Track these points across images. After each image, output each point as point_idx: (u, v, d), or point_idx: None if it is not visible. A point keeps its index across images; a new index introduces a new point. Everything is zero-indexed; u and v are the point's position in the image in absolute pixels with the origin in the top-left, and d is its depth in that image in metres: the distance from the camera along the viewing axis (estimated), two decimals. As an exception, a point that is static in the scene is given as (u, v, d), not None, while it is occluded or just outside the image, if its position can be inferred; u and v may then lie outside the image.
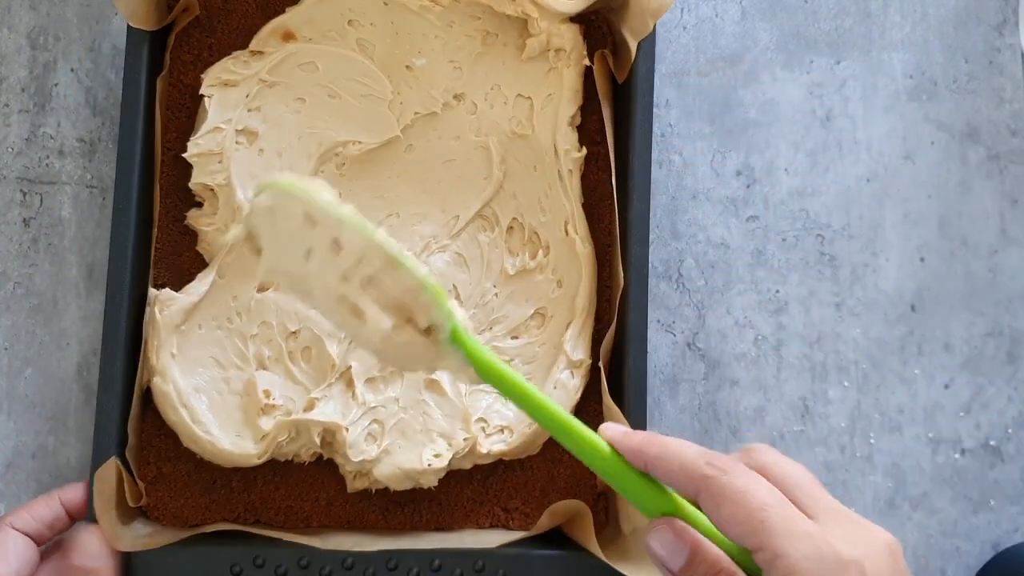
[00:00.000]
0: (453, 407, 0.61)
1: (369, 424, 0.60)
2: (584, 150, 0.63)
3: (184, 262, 0.63)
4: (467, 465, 0.61)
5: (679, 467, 0.44)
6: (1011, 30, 0.69)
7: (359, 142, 0.63)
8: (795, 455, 0.66)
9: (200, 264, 0.63)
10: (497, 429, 0.61)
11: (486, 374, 0.46)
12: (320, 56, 0.63)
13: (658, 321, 0.66)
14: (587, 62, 0.63)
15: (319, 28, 0.63)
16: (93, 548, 0.56)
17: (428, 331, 0.47)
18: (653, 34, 0.61)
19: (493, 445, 0.60)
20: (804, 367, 0.67)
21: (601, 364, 0.61)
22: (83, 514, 0.58)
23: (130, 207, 0.60)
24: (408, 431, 0.60)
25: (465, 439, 0.60)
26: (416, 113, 0.63)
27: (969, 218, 0.68)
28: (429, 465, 0.59)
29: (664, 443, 0.45)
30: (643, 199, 0.60)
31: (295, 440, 0.60)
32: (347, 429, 0.59)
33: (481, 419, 0.61)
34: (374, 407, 0.60)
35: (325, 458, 0.61)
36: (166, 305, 0.60)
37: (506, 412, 0.61)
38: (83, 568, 0.56)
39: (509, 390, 0.46)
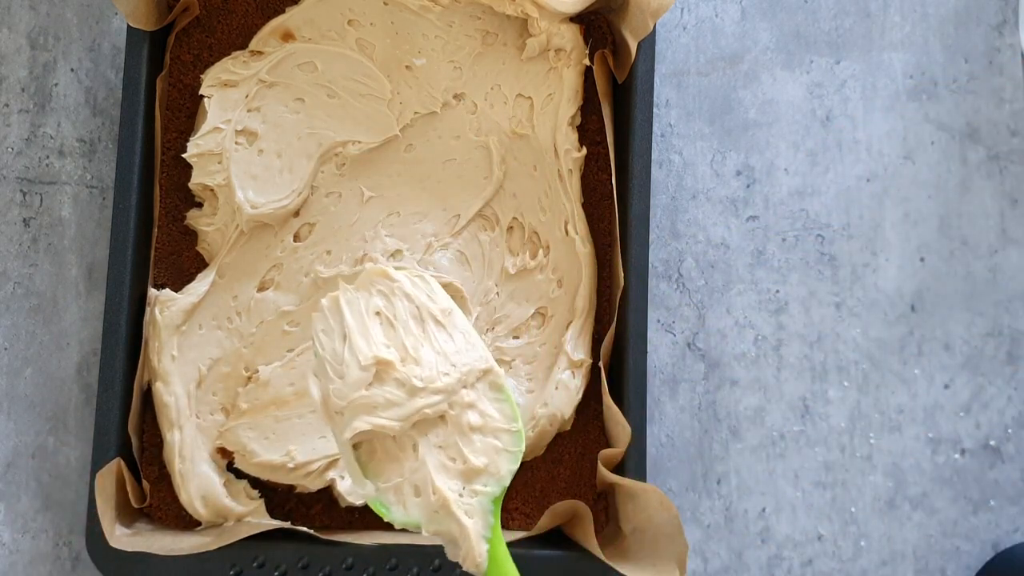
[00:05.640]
0: None
1: None
2: (584, 150, 0.63)
3: (184, 262, 0.63)
4: None
5: None
6: (1011, 30, 0.69)
7: (359, 142, 0.63)
8: (795, 455, 0.66)
9: (200, 264, 0.63)
10: None
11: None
12: (320, 56, 0.63)
13: (658, 321, 0.66)
14: (587, 62, 0.63)
15: (319, 28, 0.63)
16: None
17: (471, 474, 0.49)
18: (653, 34, 0.61)
19: None
20: (804, 367, 0.67)
21: (601, 364, 0.61)
22: None
23: (130, 207, 0.60)
24: None
25: None
26: (416, 113, 0.63)
27: (969, 218, 0.68)
28: None
29: None
30: (643, 199, 0.61)
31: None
32: (342, 477, 0.59)
33: None
34: None
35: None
36: (166, 306, 0.60)
37: None
38: None
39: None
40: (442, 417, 0.50)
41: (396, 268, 0.52)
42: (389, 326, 0.51)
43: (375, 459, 0.50)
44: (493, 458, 0.49)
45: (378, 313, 0.51)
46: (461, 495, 0.48)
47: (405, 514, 0.49)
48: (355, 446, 0.50)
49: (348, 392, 0.49)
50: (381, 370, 0.49)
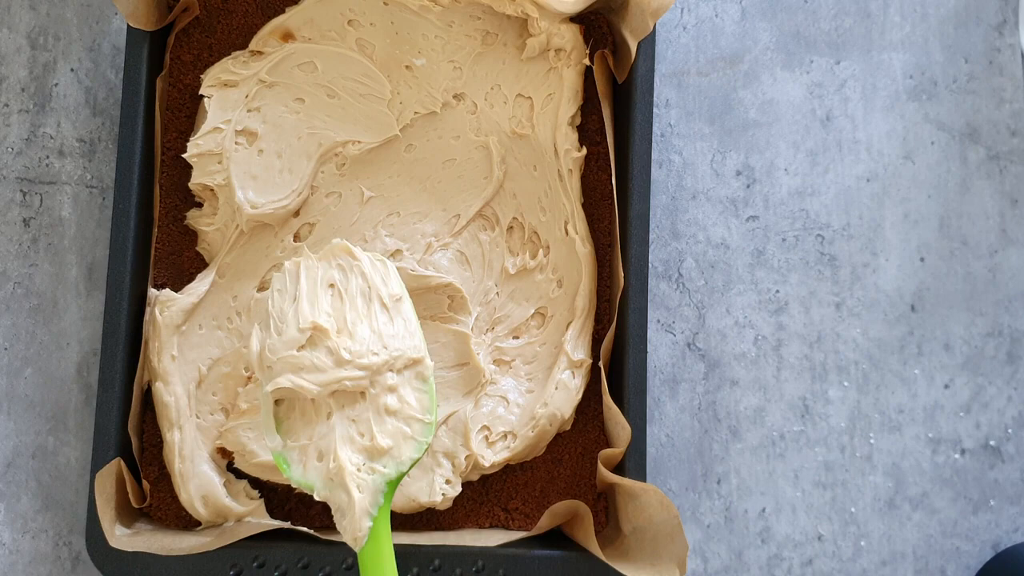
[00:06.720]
0: (456, 420, 0.61)
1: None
2: (584, 150, 0.63)
3: (184, 262, 0.63)
4: (474, 477, 0.61)
5: None
6: (1011, 30, 0.69)
7: (359, 142, 0.63)
8: (795, 455, 0.66)
9: (200, 264, 0.63)
10: (500, 436, 0.61)
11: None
12: (319, 56, 0.63)
13: (658, 321, 0.66)
14: (587, 62, 0.63)
15: (319, 28, 0.63)
16: None
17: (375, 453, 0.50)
18: (653, 34, 0.61)
19: (498, 455, 0.60)
20: (804, 367, 0.67)
21: (601, 364, 0.61)
22: None
23: (130, 207, 0.60)
24: None
25: (467, 457, 0.60)
26: (416, 113, 0.63)
27: (969, 218, 0.68)
28: (444, 495, 0.59)
29: None
30: (643, 199, 0.61)
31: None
32: None
33: (484, 427, 0.61)
34: None
35: None
36: (166, 306, 0.60)
37: (508, 417, 0.61)
38: None
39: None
40: (362, 393, 0.52)
41: (363, 250, 0.55)
42: (338, 299, 0.53)
43: (291, 417, 0.52)
44: (399, 442, 0.51)
45: (332, 285, 0.54)
46: (359, 469, 0.50)
47: (303, 475, 0.51)
48: (276, 401, 0.52)
49: (281, 349, 0.52)
50: (316, 335, 0.52)
